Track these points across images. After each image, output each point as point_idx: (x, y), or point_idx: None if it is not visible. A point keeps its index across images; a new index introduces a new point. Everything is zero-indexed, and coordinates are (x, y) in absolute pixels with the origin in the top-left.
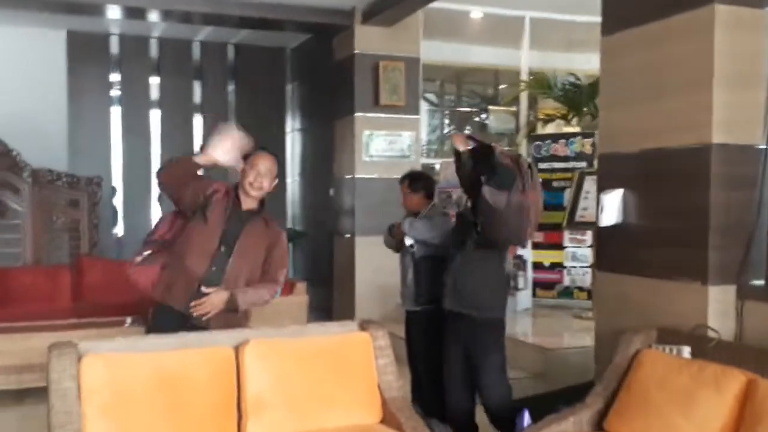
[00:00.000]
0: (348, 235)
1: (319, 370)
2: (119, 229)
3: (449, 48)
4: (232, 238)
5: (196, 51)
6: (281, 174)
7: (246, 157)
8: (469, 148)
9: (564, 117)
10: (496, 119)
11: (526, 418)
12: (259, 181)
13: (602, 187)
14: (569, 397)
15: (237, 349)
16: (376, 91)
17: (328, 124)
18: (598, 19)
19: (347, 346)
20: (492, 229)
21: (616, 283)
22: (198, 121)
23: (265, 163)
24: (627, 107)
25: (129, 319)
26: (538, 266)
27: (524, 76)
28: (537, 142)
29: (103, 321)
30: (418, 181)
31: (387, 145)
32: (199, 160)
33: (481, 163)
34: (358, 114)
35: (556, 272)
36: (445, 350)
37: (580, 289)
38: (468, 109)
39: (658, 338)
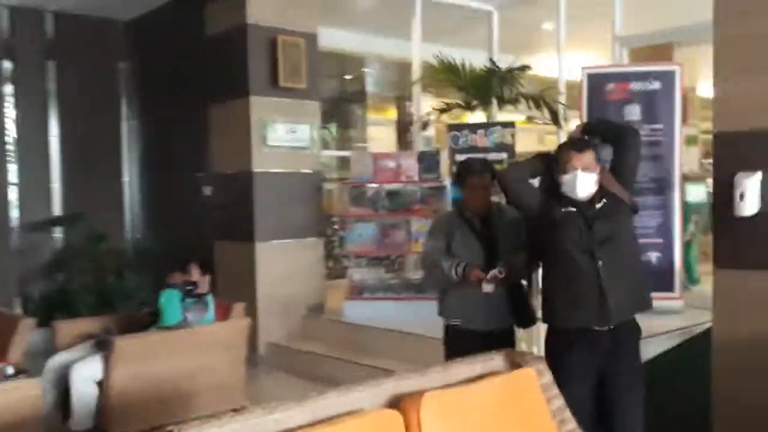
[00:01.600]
0: (241, 241)
1: (501, 425)
2: None
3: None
4: None
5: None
6: (116, 172)
7: None
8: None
9: (467, 106)
10: None
11: None
12: None
13: (726, 171)
14: None
15: (402, 410)
16: (273, 70)
17: (194, 110)
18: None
19: (516, 388)
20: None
21: (751, 279)
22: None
23: None
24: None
25: (10, 369)
26: None
27: (415, 65)
28: (454, 132)
29: None
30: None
31: (286, 134)
32: None
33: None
34: (253, 97)
35: None
36: (574, 383)
37: None
38: None
39: None
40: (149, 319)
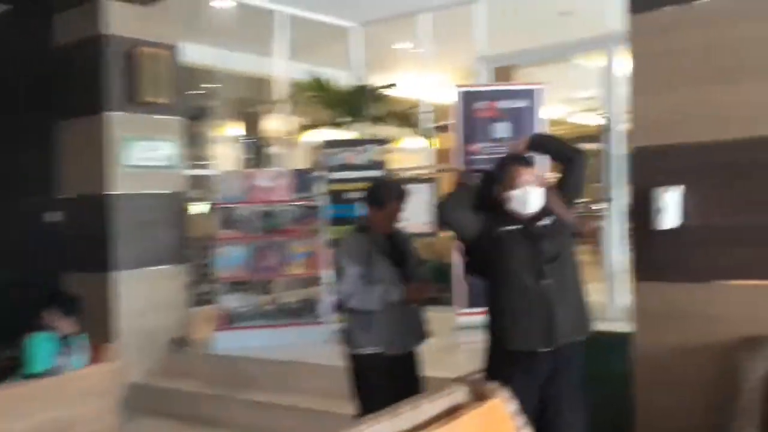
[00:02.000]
0: (96, 271)
1: None
2: None
3: None
4: None
5: None
6: None
7: None
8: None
9: (335, 124)
10: None
11: None
12: None
13: (644, 185)
14: None
15: None
16: (133, 84)
17: (39, 128)
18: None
19: (492, 421)
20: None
21: (673, 292)
22: None
23: None
24: (686, 92)
25: None
26: None
27: (277, 82)
28: (331, 149)
29: None
30: None
31: (146, 152)
32: None
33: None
34: (110, 113)
35: None
36: (523, 406)
37: None
38: None
39: None
40: (5, 366)
